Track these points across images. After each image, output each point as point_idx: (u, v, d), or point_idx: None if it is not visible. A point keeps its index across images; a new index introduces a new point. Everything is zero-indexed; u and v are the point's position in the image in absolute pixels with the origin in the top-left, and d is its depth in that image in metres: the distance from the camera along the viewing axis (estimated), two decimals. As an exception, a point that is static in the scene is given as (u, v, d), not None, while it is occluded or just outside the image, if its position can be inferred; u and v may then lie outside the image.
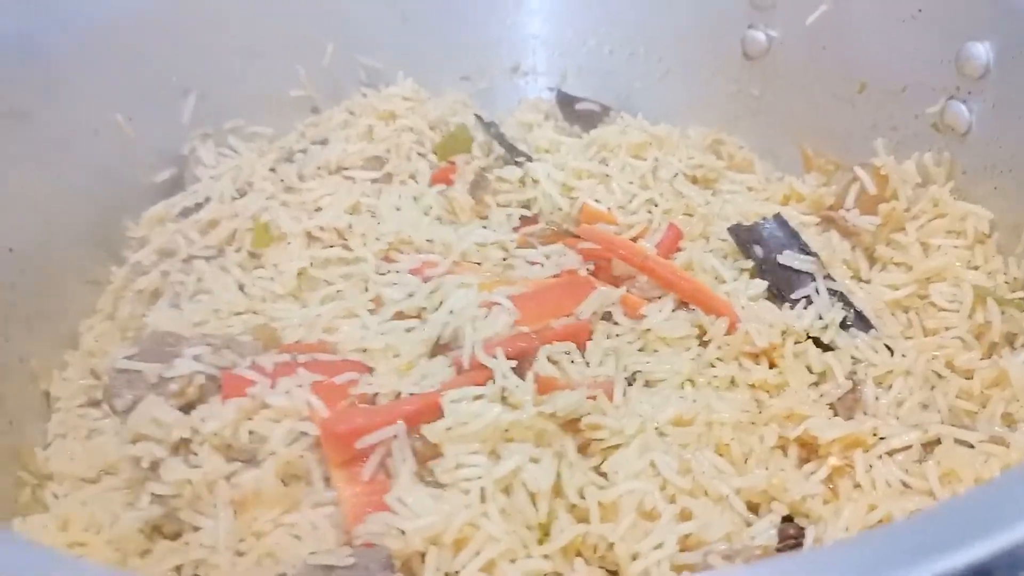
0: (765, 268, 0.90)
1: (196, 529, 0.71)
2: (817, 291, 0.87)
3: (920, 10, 0.99)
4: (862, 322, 0.86)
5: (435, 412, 0.72)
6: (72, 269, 1.01)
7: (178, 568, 0.70)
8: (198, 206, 1.04)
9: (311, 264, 0.93)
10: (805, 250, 0.90)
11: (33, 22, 0.98)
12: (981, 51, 0.92)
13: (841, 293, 0.88)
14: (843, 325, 0.86)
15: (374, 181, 1.05)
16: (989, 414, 0.81)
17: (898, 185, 0.97)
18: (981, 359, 0.85)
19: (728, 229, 0.94)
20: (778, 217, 0.93)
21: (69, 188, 1.01)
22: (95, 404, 0.90)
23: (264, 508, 0.70)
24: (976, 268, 0.91)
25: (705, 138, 1.15)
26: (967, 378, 0.84)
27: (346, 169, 1.07)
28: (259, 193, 1.02)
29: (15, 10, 0.97)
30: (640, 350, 0.84)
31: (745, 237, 0.92)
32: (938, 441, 0.76)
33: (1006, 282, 0.89)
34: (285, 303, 0.90)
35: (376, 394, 0.77)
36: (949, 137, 0.98)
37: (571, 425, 0.73)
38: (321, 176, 1.06)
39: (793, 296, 0.87)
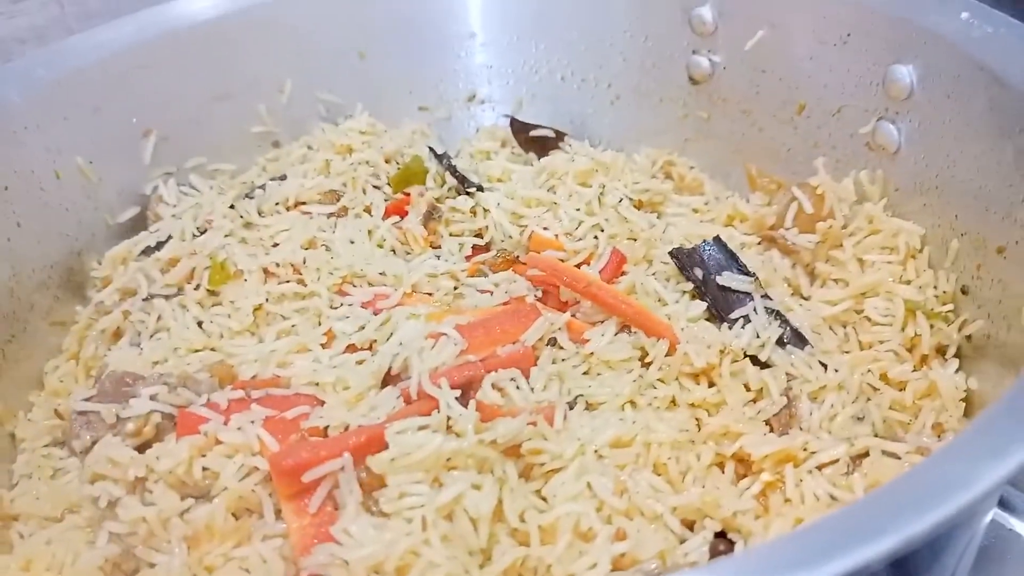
0: (705, 290, 0.93)
1: (152, 565, 0.73)
2: (755, 310, 0.91)
3: (849, 34, 1.03)
4: (798, 339, 0.90)
5: (380, 443, 0.74)
6: (38, 311, 1.04)
7: (135, 604, 0.73)
8: (160, 244, 1.07)
9: (267, 300, 0.95)
10: (743, 271, 0.94)
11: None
12: (905, 73, 0.96)
13: (778, 311, 0.91)
14: (780, 342, 0.89)
15: (330, 215, 1.08)
16: (920, 425, 0.84)
17: (834, 203, 1.01)
18: (913, 371, 0.89)
19: (669, 252, 0.97)
20: (717, 239, 0.96)
21: (34, 232, 1.05)
22: (60, 444, 0.92)
23: (216, 542, 0.72)
24: (908, 283, 0.95)
25: (656, 160, 1.19)
26: (900, 390, 0.87)
27: (304, 204, 1.10)
28: (218, 231, 1.05)
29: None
30: (584, 374, 0.87)
31: (686, 260, 0.96)
32: (867, 453, 0.79)
33: (936, 296, 0.92)
34: (242, 339, 0.93)
35: (327, 427, 0.79)
36: (881, 156, 1.02)
37: (513, 451, 0.76)
38: (279, 212, 1.09)
39: (732, 316, 0.91)
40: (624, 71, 1.27)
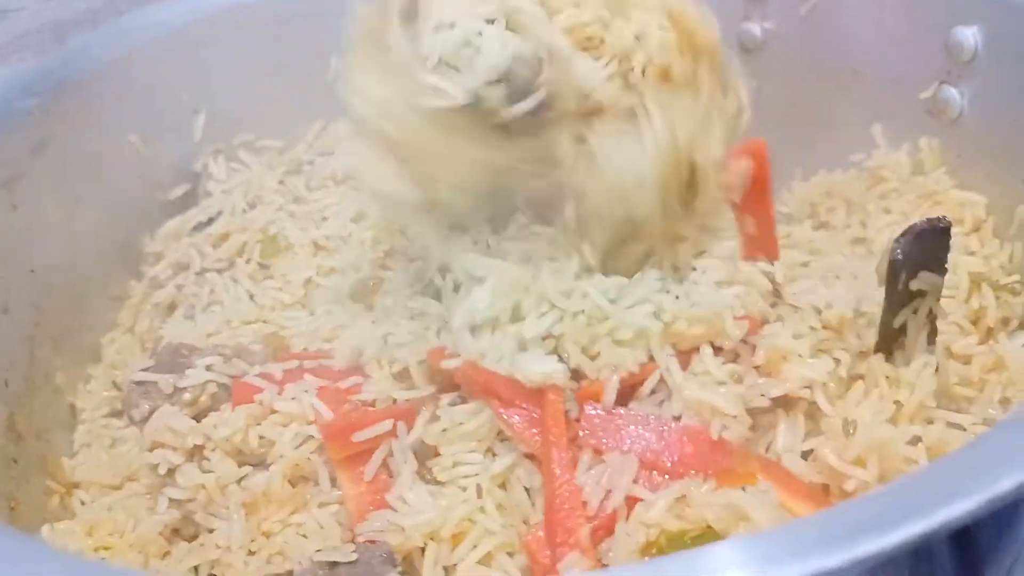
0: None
1: (211, 531, 0.75)
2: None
3: (909, -4, 1.00)
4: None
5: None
6: (94, 286, 1.06)
7: (195, 568, 0.74)
8: (210, 220, 1.08)
9: (317, 273, 0.96)
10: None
11: (54, 59, 1.04)
12: (968, 35, 0.93)
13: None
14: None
15: (377, 190, 1.08)
16: (987, 398, 0.82)
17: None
18: (978, 344, 0.86)
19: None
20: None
21: (89, 209, 1.06)
22: (118, 414, 0.94)
23: (273, 509, 0.73)
24: (972, 254, 0.92)
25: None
26: (965, 364, 0.85)
27: (352, 179, 1.10)
28: (268, 205, 1.06)
29: (39, 50, 1.02)
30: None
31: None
32: (931, 423, 0.76)
33: (1000, 266, 0.89)
34: (293, 312, 0.94)
35: (375, 400, 0.79)
36: (942, 122, 0.99)
37: (565, 422, 0.76)
38: (327, 187, 1.10)
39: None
40: (672, 41, 1.25)
